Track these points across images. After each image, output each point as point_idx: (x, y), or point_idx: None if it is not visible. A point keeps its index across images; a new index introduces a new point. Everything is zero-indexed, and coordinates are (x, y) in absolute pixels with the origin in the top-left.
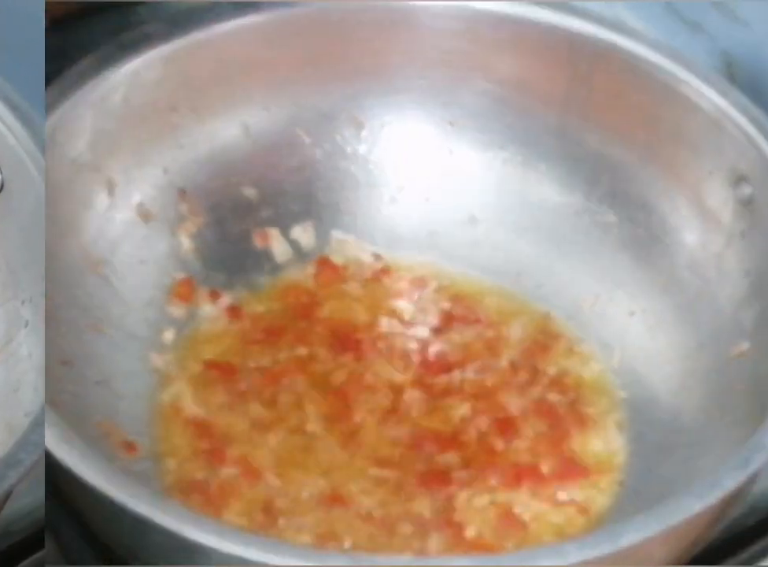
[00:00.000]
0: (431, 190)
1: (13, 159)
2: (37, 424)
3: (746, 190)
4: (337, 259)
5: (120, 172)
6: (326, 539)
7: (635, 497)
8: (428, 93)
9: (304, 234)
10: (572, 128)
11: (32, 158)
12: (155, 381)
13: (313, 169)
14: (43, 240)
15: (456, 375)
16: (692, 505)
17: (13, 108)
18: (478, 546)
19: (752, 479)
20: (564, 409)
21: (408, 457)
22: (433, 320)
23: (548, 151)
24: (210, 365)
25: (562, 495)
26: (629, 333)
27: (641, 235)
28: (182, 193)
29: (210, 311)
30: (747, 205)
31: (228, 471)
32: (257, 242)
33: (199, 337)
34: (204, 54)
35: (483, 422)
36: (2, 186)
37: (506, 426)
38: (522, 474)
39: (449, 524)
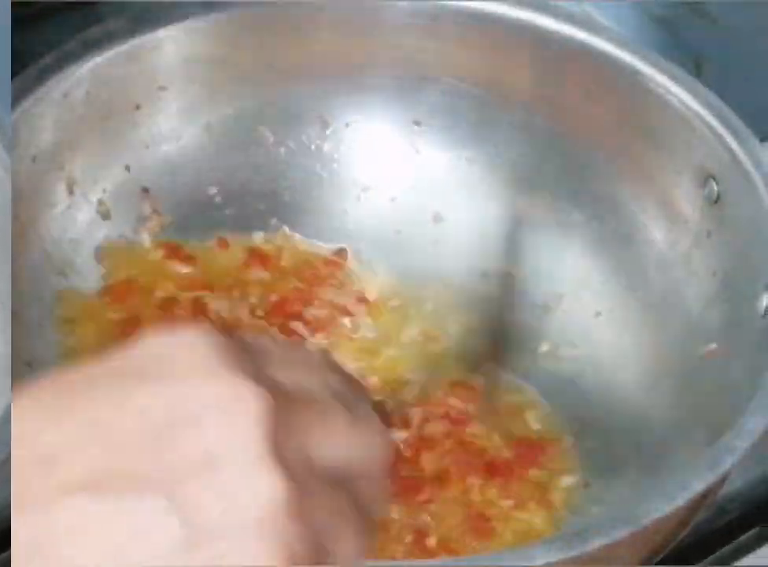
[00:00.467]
0: (396, 190)
1: None
2: (3, 424)
3: (714, 189)
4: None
5: (81, 170)
6: None
7: (602, 498)
8: (393, 91)
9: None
10: (539, 127)
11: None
12: None
13: (277, 168)
14: (9, 240)
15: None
16: (661, 507)
17: None
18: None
19: (722, 481)
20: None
21: None
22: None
23: (514, 151)
24: None
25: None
26: (596, 334)
27: (608, 235)
28: (145, 192)
29: None
30: (715, 204)
31: None
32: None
33: None
34: (167, 52)
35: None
36: None
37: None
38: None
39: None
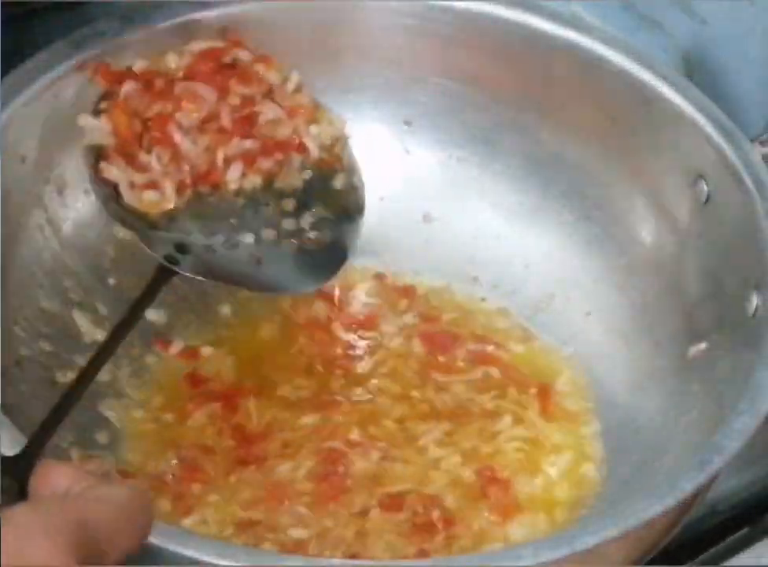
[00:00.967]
0: (386, 190)
1: None
2: None
3: (704, 189)
4: None
5: (71, 171)
6: None
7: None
8: (383, 92)
9: None
10: (528, 127)
11: None
12: None
13: None
14: None
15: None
16: (651, 508)
17: None
18: None
19: (711, 482)
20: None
21: None
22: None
23: (504, 150)
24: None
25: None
26: (585, 333)
27: (598, 235)
28: None
29: None
30: (704, 204)
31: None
32: None
33: None
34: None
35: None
36: None
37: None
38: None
39: None
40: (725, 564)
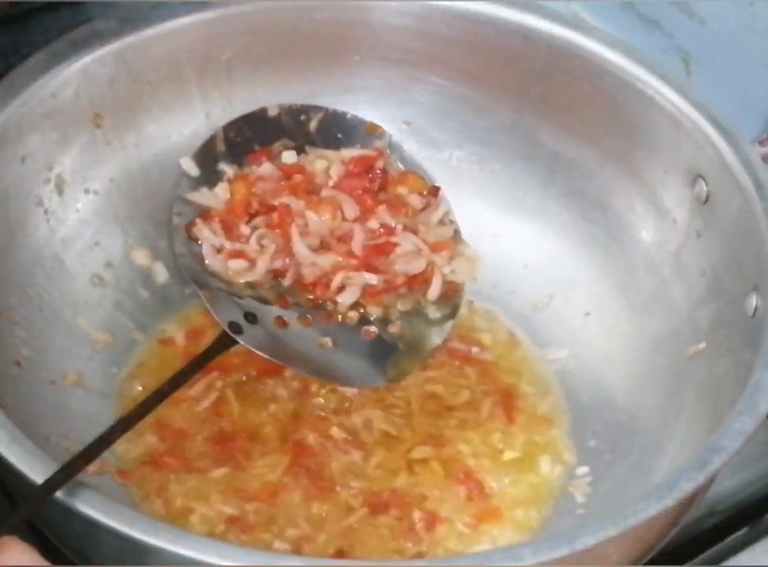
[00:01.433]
0: None
1: None
2: None
3: (703, 189)
4: None
5: (70, 171)
6: None
7: (590, 498)
8: (384, 92)
9: None
10: (528, 127)
11: None
12: None
13: None
14: None
15: None
16: (650, 507)
17: None
18: None
19: (710, 481)
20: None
21: None
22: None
23: (503, 150)
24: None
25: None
26: (585, 333)
27: (597, 235)
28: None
29: None
30: (704, 204)
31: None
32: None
33: None
34: (156, 51)
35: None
36: None
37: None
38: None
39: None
40: (725, 564)
